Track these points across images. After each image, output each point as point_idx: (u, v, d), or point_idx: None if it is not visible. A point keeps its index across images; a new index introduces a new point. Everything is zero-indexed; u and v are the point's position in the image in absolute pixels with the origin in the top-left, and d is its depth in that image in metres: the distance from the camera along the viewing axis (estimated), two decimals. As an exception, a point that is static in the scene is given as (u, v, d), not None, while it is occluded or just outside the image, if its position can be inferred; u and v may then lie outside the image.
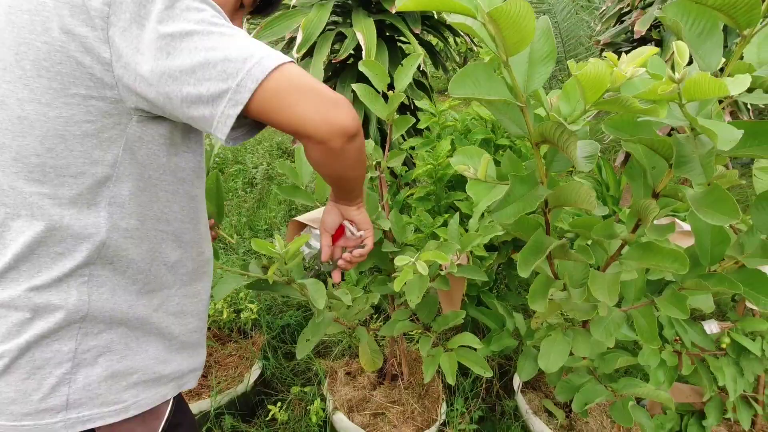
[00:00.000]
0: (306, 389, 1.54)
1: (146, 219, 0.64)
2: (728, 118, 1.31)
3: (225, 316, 1.63)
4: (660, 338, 1.34)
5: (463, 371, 1.74)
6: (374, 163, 1.19)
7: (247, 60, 0.53)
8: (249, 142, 3.85)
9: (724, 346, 1.33)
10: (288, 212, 2.73)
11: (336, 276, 0.97)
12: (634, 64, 0.53)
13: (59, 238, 0.58)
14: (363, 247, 0.88)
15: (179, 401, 0.77)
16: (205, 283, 0.77)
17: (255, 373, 1.61)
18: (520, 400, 1.54)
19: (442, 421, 1.44)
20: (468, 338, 1.13)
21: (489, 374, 1.11)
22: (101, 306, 0.62)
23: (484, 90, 0.67)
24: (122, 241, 0.62)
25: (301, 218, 1.23)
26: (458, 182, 1.58)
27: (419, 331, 1.23)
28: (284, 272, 0.98)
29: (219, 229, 1.06)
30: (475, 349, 1.12)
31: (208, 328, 1.71)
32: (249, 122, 0.60)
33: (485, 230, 1.09)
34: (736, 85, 0.51)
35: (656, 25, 2.45)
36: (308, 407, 1.43)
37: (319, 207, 1.25)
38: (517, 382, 1.60)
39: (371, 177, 1.20)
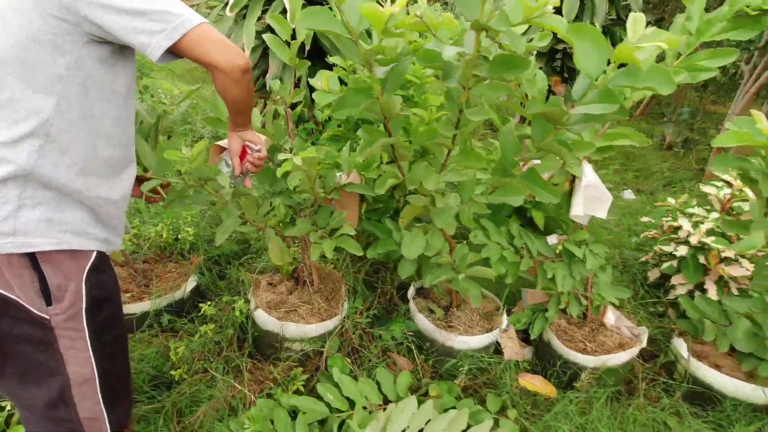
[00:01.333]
0: (234, 298, 1.85)
1: (86, 116, 0.90)
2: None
3: (164, 236, 1.90)
4: (512, 246, 1.73)
5: (369, 285, 2.10)
6: (278, 98, 1.49)
7: (181, 15, 0.87)
8: (202, 108, 4.10)
9: (558, 251, 1.73)
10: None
11: (247, 183, 1.30)
12: (397, 5, 0.85)
13: (17, 108, 0.85)
14: (260, 152, 1.21)
15: (104, 256, 1.00)
16: (128, 182, 1.03)
17: (191, 284, 1.90)
18: (411, 304, 1.90)
19: (343, 315, 1.78)
20: (350, 243, 1.46)
21: (360, 253, 1.45)
22: (43, 172, 0.87)
23: (325, 25, 0.99)
24: (65, 126, 0.89)
25: (221, 143, 1.52)
26: (364, 122, 1.90)
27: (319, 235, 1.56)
28: (194, 175, 1.27)
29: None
30: (352, 237, 1.45)
31: (151, 249, 1.98)
32: (174, 56, 0.91)
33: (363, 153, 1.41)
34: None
35: None
36: (234, 306, 1.74)
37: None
38: (411, 291, 1.96)
39: (276, 110, 1.50)
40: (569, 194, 1.68)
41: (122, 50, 0.91)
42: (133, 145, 1.04)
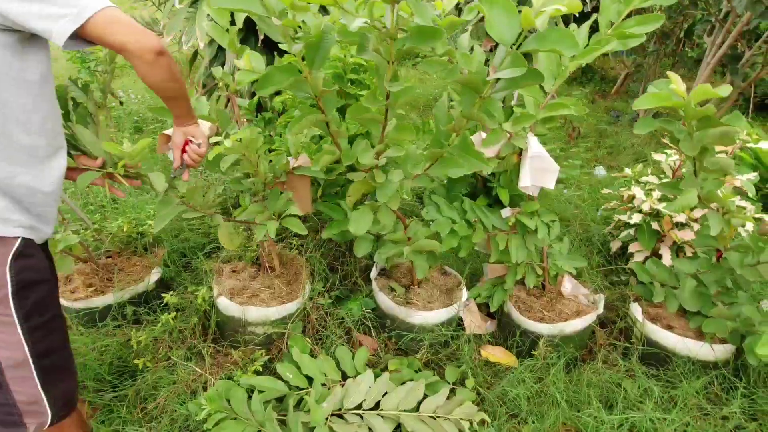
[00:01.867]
0: (199, 287, 1.87)
1: None
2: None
3: (126, 230, 1.92)
4: (466, 222, 1.76)
5: (332, 269, 2.13)
6: (223, 84, 1.51)
7: None
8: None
9: (511, 224, 1.76)
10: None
11: (185, 175, 1.33)
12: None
13: None
14: (200, 146, 1.24)
15: (32, 243, 0.99)
16: (57, 170, 1.02)
17: (155, 276, 1.92)
18: (374, 284, 1.94)
19: (305, 297, 1.81)
20: (294, 223, 1.49)
21: (304, 233, 1.48)
22: None
23: (241, 4, 1.01)
24: None
25: (167, 131, 1.53)
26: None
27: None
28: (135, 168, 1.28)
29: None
30: (298, 217, 1.48)
31: (114, 243, 2.00)
32: (83, 43, 0.92)
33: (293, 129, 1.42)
34: None
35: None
36: (196, 293, 1.76)
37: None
38: (374, 272, 2.00)
39: (220, 96, 1.52)
40: (518, 167, 1.72)
41: (32, 38, 0.92)
42: (61, 134, 1.05)
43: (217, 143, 1.20)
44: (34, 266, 0.97)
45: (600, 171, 3.86)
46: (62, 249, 1.63)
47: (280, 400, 1.49)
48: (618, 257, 2.37)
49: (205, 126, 1.51)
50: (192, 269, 2.11)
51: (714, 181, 1.37)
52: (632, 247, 2.09)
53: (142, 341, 1.61)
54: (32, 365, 0.95)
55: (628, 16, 1.43)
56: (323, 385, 1.52)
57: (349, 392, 1.47)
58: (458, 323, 1.90)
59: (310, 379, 1.54)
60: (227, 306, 1.74)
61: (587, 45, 1.50)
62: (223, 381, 1.46)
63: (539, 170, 1.68)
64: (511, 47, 1.02)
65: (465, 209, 1.75)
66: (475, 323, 1.89)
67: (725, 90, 1.17)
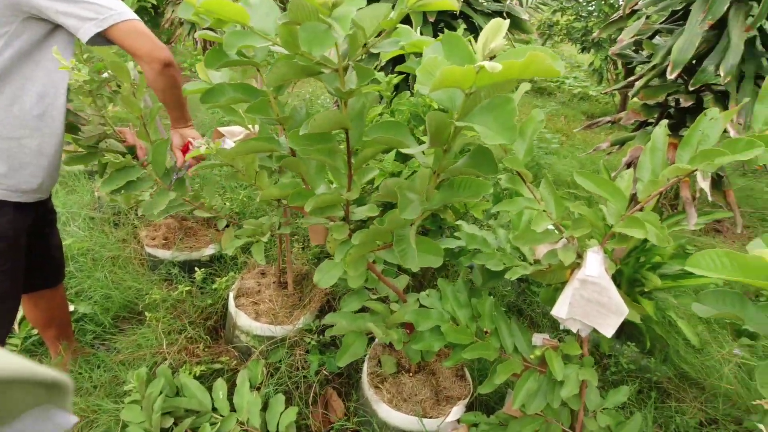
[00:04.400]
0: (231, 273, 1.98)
1: (17, 70, 1.08)
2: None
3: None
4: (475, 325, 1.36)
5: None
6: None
7: (112, 8, 1.06)
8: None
9: (533, 356, 1.27)
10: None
11: (189, 172, 1.43)
12: None
13: None
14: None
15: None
16: (56, 140, 1.18)
17: (209, 251, 2.12)
18: (370, 348, 1.69)
19: (298, 327, 1.70)
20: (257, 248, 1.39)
21: (262, 262, 1.36)
22: None
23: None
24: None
25: (221, 129, 1.65)
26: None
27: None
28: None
29: None
30: None
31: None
32: (104, 41, 1.10)
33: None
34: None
35: None
36: (216, 279, 1.87)
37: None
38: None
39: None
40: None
41: (58, 28, 1.10)
42: (62, 112, 1.18)
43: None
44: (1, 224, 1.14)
45: None
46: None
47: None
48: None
49: (236, 130, 1.57)
50: (249, 256, 2.25)
51: None
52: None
53: (156, 298, 1.79)
54: None
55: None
56: (240, 423, 1.40)
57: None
58: (440, 444, 1.48)
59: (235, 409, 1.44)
60: (230, 302, 1.78)
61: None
62: (164, 368, 1.50)
63: (592, 304, 1.15)
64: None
65: (480, 311, 1.34)
66: (457, 456, 1.44)
67: None
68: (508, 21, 0.62)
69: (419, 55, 1.07)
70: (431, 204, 0.93)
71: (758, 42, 2.41)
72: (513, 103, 0.68)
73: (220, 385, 1.49)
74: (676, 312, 2.03)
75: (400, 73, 2.43)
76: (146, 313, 1.75)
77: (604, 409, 1.30)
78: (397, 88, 2.59)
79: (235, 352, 1.74)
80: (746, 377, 1.93)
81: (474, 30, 2.96)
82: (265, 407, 1.46)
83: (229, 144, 1.50)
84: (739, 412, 1.81)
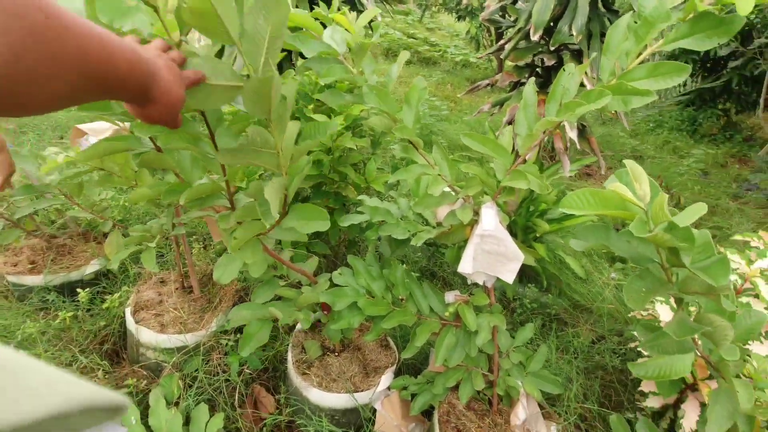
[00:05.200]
0: (124, 288, 1.79)
1: None
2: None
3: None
4: (390, 294, 1.38)
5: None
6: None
7: None
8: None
9: (447, 313, 1.34)
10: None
11: None
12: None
13: None
14: None
15: None
16: None
17: (93, 267, 1.88)
18: (293, 335, 1.65)
19: (213, 331, 1.60)
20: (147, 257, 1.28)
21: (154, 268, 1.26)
22: None
23: None
24: None
25: (82, 126, 1.44)
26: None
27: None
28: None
29: None
30: None
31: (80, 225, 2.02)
32: None
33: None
34: None
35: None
36: (107, 297, 1.67)
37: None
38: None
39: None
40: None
41: None
42: None
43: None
44: None
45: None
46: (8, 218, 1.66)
47: None
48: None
49: (100, 127, 1.39)
50: (141, 267, 2.05)
51: None
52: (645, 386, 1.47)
53: (33, 332, 1.55)
54: None
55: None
56: (160, 444, 1.29)
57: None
58: (373, 413, 1.52)
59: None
60: (128, 319, 1.61)
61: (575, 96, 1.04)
62: None
63: (492, 255, 1.24)
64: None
65: (393, 280, 1.37)
66: (392, 422, 1.49)
67: None
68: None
69: (295, 30, 1.02)
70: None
71: (600, 4, 2.72)
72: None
73: (131, 411, 1.35)
74: (564, 250, 2.28)
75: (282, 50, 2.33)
76: (21, 352, 1.51)
77: (515, 348, 1.43)
78: (281, 67, 2.49)
79: (143, 371, 1.59)
80: (622, 297, 2.26)
81: (352, 3, 2.93)
82: (187, 421, 1.37)
83: (93, 142, 1.33)
84: (620, 326, 2.11)
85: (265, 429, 1.49)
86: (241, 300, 1.79)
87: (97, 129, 1.44)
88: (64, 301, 1.76)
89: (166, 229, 1.41)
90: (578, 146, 2.25)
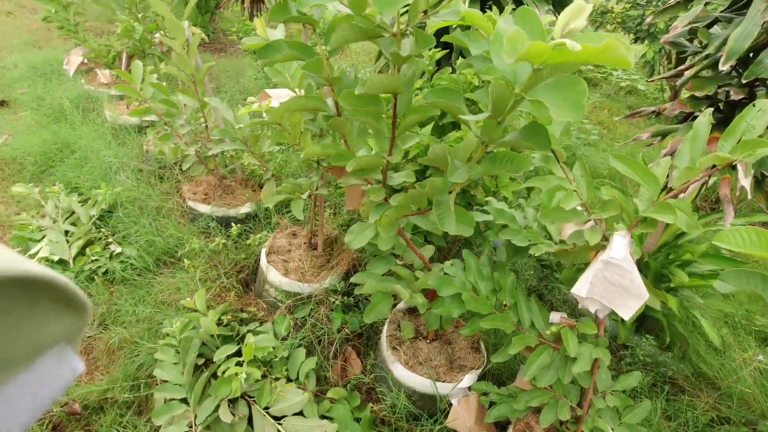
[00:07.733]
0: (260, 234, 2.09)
1: None
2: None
3: (248, 164, 2.27)
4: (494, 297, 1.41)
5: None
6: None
7: None
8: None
9: (548, 333, 1.31)
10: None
11: None
12: None
13: None
14: None
15: None
16: None
17: (246, 209, 2.23)
18: (391, 315, 1.76)
19: (324, 287, 1.79)
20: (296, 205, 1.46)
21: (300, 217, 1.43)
22: None
23: None
24: None
25: (268, 91, 1.71)
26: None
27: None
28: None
29: None
30: None
31: (246, 172, 2.39)
32: None
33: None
34: None
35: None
36: (251, 235, 1.97)
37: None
38: (402, 304, 1.80)
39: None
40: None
41: None
42: None
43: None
44: None
45: None
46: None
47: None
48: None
49: (282, 93, 1.63)
50: (281, 217, 2.35)
51: None
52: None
53: (195, 248, 1.91)
54: None
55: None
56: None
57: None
58: (449, 407, 1.55)
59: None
60: (262, 258, 1.88)
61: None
62: (187, 316, 1.60)
63: (613, 286, 1.18)
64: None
65: (502, 284, 1.38)
66: (464, 422, 1.51)
67: None
68: (590, 6, 0.64)
69: (466, 28, 1.09)
70: (475, 172, 0.97)
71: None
72: (584, 84, 0.70)
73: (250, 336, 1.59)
74: (702, 312, 2.01)
75: (443, 48, 2.43)
76: (185, 260, 1.87)
77: (613, 391, 1.34)
78: (439, 64, 2.59)
79: (263, 304, 1.85)
80: (766, 383, 1.91)
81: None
82: (287, 357, 1.57)
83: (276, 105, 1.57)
84: (755, 416, 1.80)
85: (348, 386, 1.62)
86: (355, 268, 1.95)
87: (280, 95, 1.70)
88: (221, 231, 2.13)
89: (313, 187, 1.62)
90: (749, 197, 1.94)
